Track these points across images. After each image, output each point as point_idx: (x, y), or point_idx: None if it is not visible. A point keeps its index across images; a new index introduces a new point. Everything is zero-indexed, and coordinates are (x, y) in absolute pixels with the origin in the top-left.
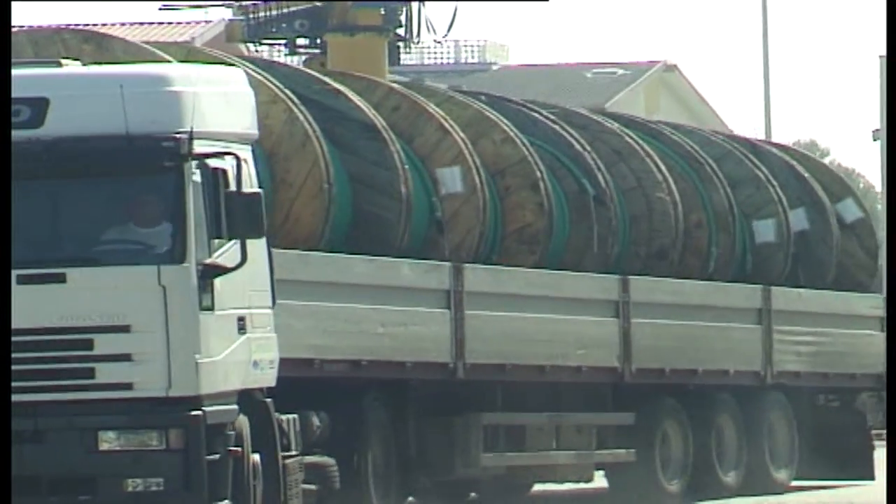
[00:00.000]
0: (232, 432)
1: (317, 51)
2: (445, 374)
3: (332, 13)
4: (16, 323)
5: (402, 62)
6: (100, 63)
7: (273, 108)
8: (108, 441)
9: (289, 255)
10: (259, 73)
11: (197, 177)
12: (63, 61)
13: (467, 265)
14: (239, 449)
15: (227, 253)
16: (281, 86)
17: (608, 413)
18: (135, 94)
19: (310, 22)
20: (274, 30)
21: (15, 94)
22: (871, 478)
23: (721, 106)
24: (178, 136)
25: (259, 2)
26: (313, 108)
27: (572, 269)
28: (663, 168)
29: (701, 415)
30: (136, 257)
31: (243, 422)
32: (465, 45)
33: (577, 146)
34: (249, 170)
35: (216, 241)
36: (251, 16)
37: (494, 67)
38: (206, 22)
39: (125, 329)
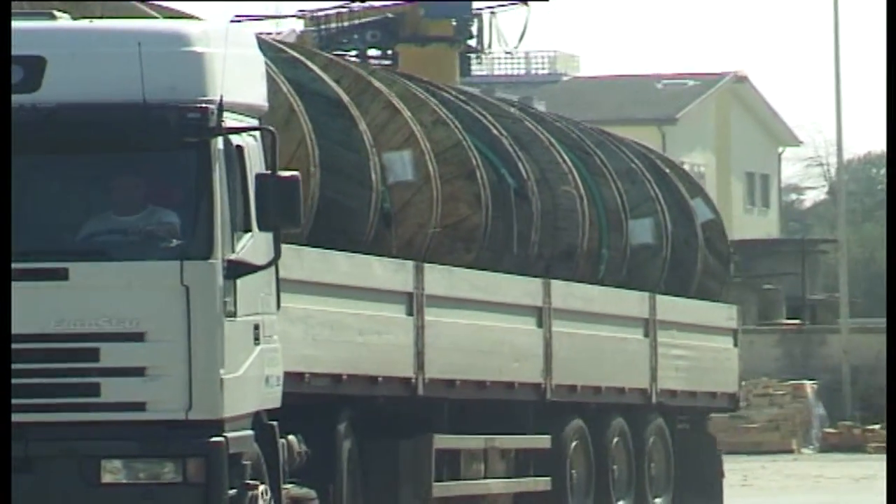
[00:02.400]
0: (247, 462)
1: (388, 62)
2: (408, 390)
3: (403, 24)
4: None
5: (472, 73)
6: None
7: None
8: (114, 472)
9: (284, 249)
10: None
11: (223, 156)
12: (56, 13)
13: (427, 265)
14: (256, 482)
15: (248, 247)
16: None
17: (529, 436)
18: (150, 54)
19: (381, 33)
20: (345, 41)
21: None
22: None
23: (792, 117)
24: (204, 105)
25: (330, 13)
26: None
27: (490, 272)
28: (567, 159)
29: (600, 439)
30: (153, 251)
31: (257, 450)
32: (536, 57)
33: (494, 131)
34: (259, 150)
35: (236, 233)
36: (322, 27)
37: (565, 78)
38: (278, 33)
39: (138, 337)
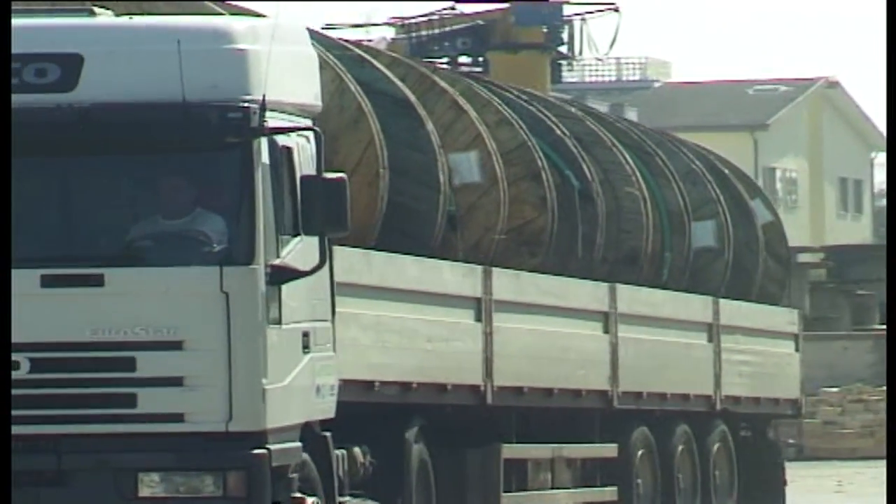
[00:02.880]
0: (294, 475)
1: (479, 69)
2: (476, 398)
3: (494, 31)
4: (38, 335)
5: (563, 80)
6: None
7: (319, 75)
8: (151, 485)
9: (352, 254)
10: None
11: (267, 158)
12: (96, 9)
13: (495, 269)
14: (303, 496)
15: (294, 252)
16: (325, 50)
17: (595, 445)
18: (190, 51)
19: (472, 40)
20: (436, 48)
21: (41, 48)
22: None
23: (885, 122)
24: (246, 105)
25: (422, 20)
26: None
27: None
28: (629, 159)
29: (665, 446)
30: (191, 256)
31: (307, 462)
32: (627, 63)
33: (558, 131)
34: (312, 151)
35: (281, 237)
36: (413, 34)
37: (656, 85)
38: (368, 41)
39: (176, 346)
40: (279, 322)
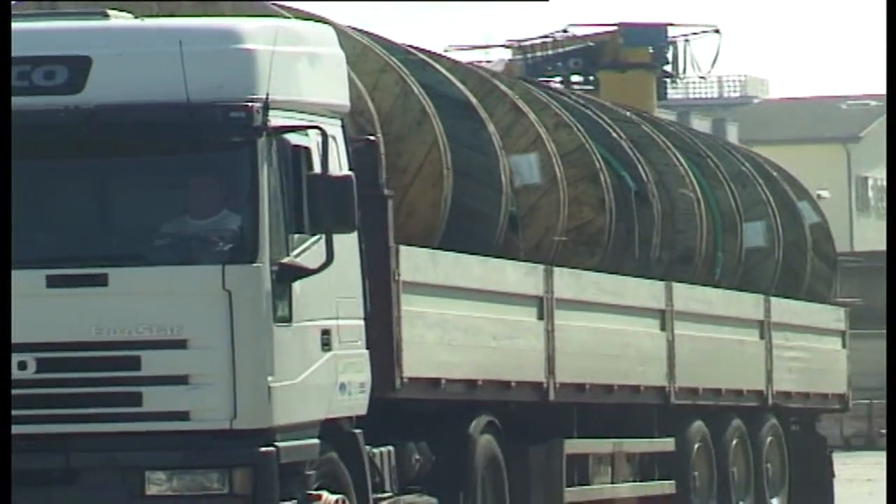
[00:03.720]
0: (312, 472)
1: (590, 87)
2: (539, 395)
3: (603, 52)
4: (45, 335)
5: (668, 97)
6: None
7: (383, 78)
8: (158, 483)
9: (418, 253)
10: (362, 38)
11: (273, 156)
12: (110, 12)
13: (556, 268)
14: (320, 493)
15: (310, 251)
16: (388, 53)
17: (654, 439)
18: (197, 52)
19: (583, 60)
20: (550, 68)
21: (51, 51)
22: None
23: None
24: (249, 104)
25: (536, 42)
26: None
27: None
28: (682, 161)
29: (720, 440)
30: (194, 255)
31: (334, 459)
32: (728, 80)
33: (614, 134)
34: (339, 150)
35: (296, 236)
36: (528, 55)
37: (755, 101)
38: (487, 62)
39: (180, 344)
40: (289, 320)
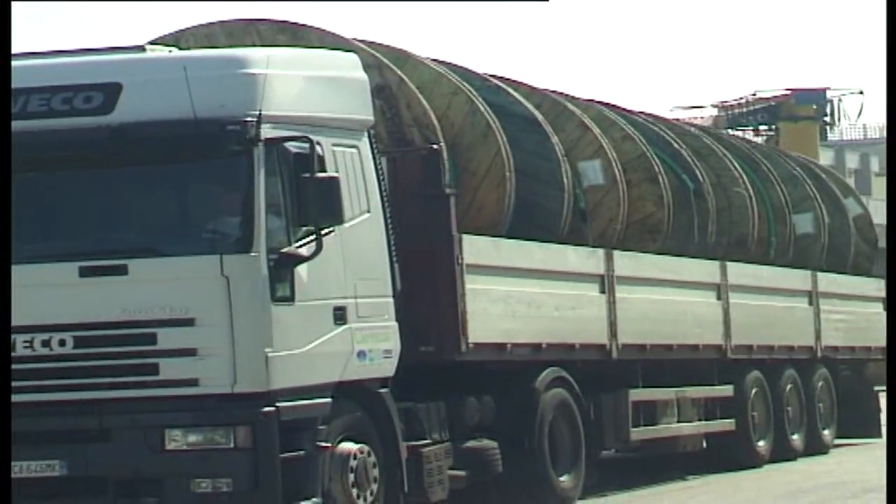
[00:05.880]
0: (323, 427)
1: (771, 133)
2: (603, 354)
3: (782, 108)
4: (78, 317)
5: (828, 139)
6: None
7: (455, 99)
8: (175, 439)
9: (479, 240)
10: (438, 67)
11: (271, 162)
12: (149, 47)
13: (616, 251)
14: (328, 444)
15: (315, 241)
16: (459, 79)
17: (715, 386)
18: (203, 77)
19: (767, 114)
20: (744, 121)
21: (92, 79)
22: (879, 436)
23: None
24: (245, 119)
25: (733, 103)
26: None
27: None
28: (737, 166)
29: (776, 386)
30: (198, 247)
31: (356, 415)
32: (871, 126)
33: (675, 145)
34: (362, 157)
35: (303, 228)
36: (729, 112)
37: None
38: (701, 118)
39: (189, 322)
40: (291, 300)
